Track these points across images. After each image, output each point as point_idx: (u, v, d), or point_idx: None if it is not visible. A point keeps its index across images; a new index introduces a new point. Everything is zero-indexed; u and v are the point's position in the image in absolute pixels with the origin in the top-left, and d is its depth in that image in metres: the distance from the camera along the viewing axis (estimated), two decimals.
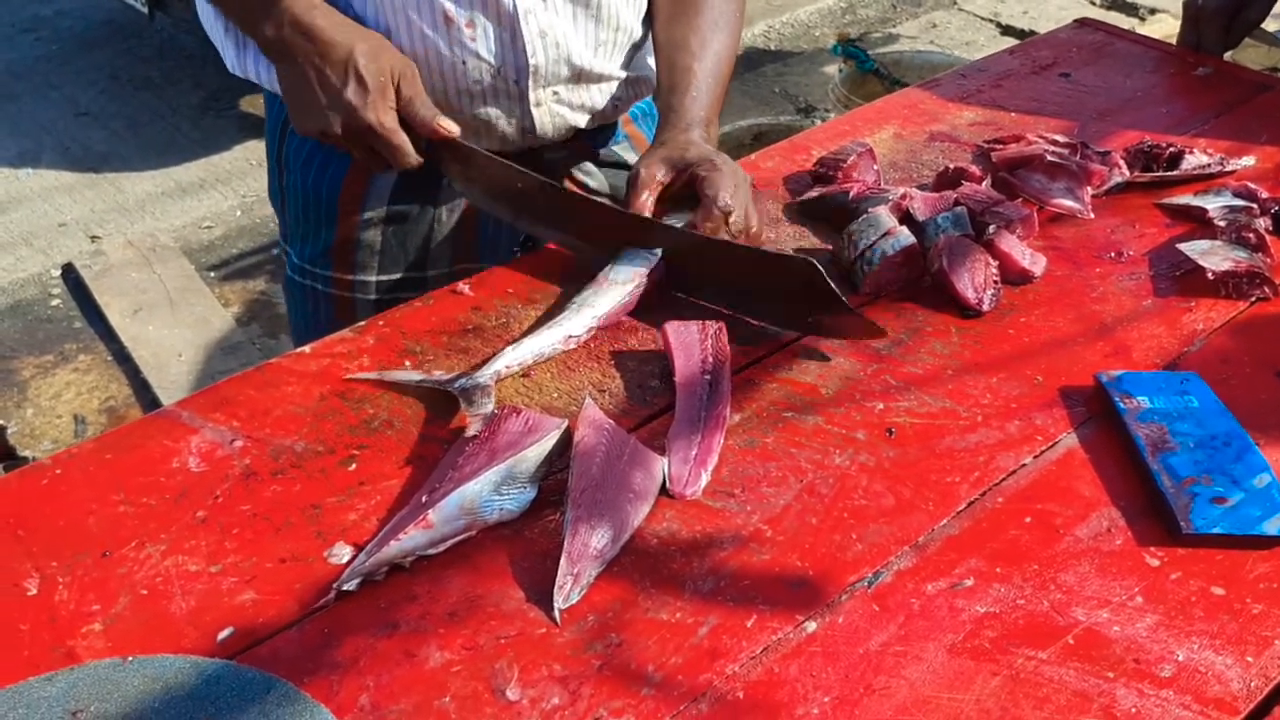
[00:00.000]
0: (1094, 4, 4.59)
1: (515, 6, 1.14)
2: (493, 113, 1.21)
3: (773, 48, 4.32)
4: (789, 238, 1.22)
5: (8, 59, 4.14)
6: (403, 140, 1.11)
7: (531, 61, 1.18)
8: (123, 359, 2.82)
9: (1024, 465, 0.93)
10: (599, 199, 1.20)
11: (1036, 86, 1.50)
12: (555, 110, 1.24)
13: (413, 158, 1.13)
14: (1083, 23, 1.67)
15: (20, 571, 0.83)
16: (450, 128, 1.13)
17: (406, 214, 1.29)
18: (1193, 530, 0.85)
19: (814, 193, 1.24)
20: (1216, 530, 0.85)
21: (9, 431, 2.61)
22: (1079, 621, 0.80)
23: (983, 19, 4.48)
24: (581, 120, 1.28)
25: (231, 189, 3.49)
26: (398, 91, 1.11)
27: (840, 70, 3.07)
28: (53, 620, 0.80)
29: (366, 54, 1.09)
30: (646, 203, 1.12)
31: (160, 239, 3.22)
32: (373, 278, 1.33)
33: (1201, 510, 0.87)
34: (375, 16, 1.14)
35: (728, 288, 1.09)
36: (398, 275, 1.33)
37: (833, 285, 1.01)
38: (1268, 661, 0.78)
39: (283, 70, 1.13)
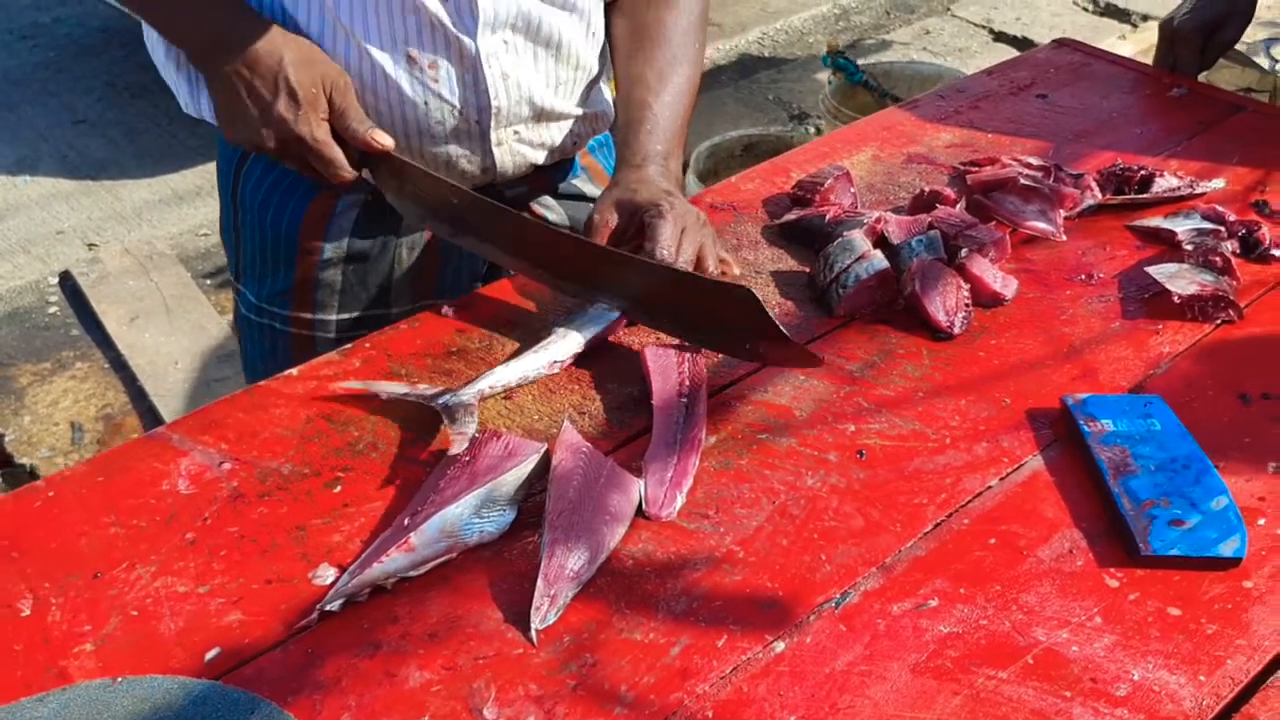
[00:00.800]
0: (1085, 10, 4.61)
1: (478, 50, 1.15)
2: (454, 152, 1.22)
3: (766, 54, 4.35)
4: (768, 260, 1.24)
5: (5, 67, 4.17)
6: (335, 153, 1.10)
7: (494, 103, 1.19)
8: (120, 366, 2.84)
9: (990, 487, 0.96)
10: (523, 214, 1.18)
11: (1014, 107, 1.53)
12: (516, 149, 1.25)
13: (346, 170, 1.12)
14: (1061, 43, 1.70)
15: (14, 592, 0.86)
16: (384, 141, 1.12)
17: (367, 253, 1.28)
18: (1151, 552, 0.88)
19: (792, 215, 1.26)
20: (1174, 552, 0.88)
21: (6, 439, 2.64)
22: (1039, 641, 0.83)
23: (976, 25, 4.51)
24: (541, 157, 1.29)
25: None
26: (330, 103, 1.09)
27: (830, 82, 3.10)
28: (46, 641, 0.83)
29: (296, 64, 1.07)
30: None
31: (157, 246, 3.24)
32: (333, 316, 1.32)
33: (1160, 532, 0.89)
34: (336, 51, 1.14)
35: (669, 313, 1.09)
36: (358, 313, 1.32)
37: (770, 313, 1.02)
38: (1219, 680, 0.80)
39: (212, 81, 1.12)
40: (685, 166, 2.84)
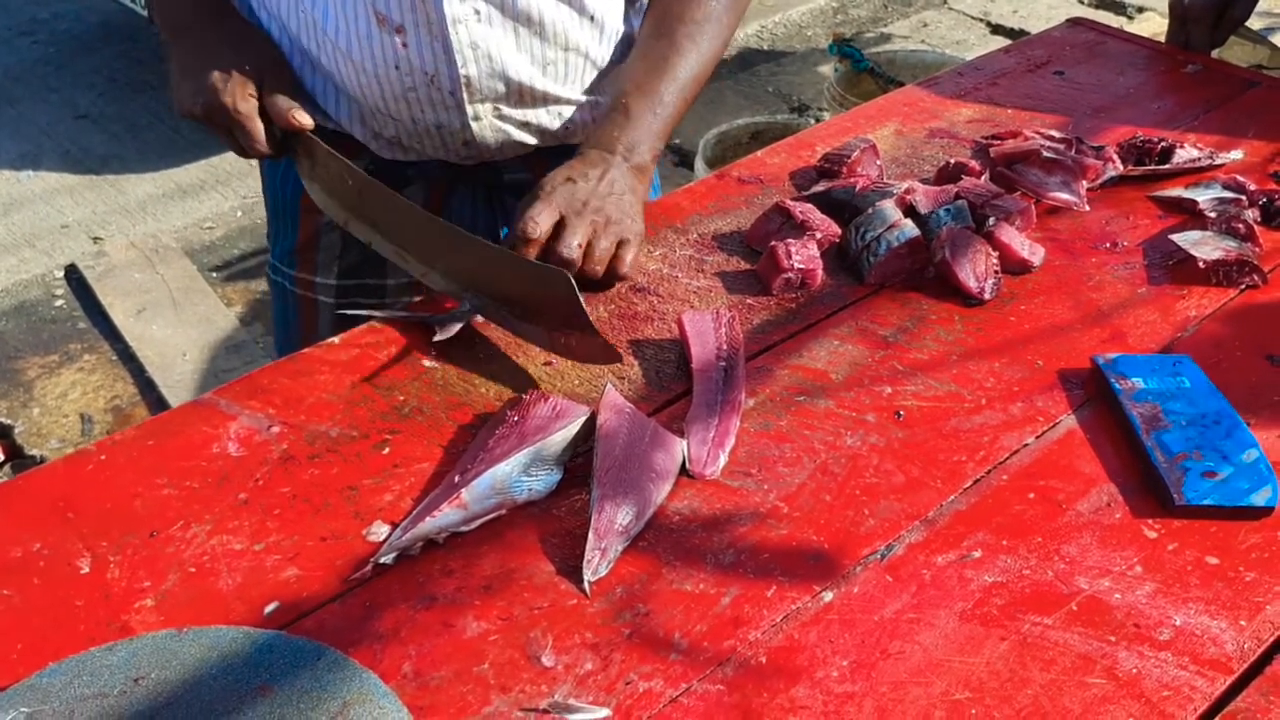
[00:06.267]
0: (1082, 2, 4.65)
1: (443, 14, 1.14)
2: (430, 121, 1.23)
3: (765, 47, 4.37)
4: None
5: (5, 63, 4.17)
6: (255, 127, 1.16)
7: (463, 72, 1.19)
8: (127, 358, 2.85)
9: (1026, 444, 0.98)
10: (418, 207, 1.15)
11: (1031, 84, 1.55)
12: (497, 125, 1.25)
13: (261, 144, 1.17)
14: (1075, 22, 1.72)
15: (72, 551, 0.87)
16: (303, 120, 1.16)
17: None
18: (1185, 502, 0.90)
19: (820, 187, 1.28)
20: (1207, 502, 0.90)
21: (16, 430, 2.65)
22: (1082, 590, 0.85)
23: (973, 18, 4.54)
24: (531, 139, 1.28)
25: (232, 190, 3.52)
26: (261, 83, 1.16)
27: (836, 69, 3.12)
28: (106, 597, 0.84)
29: (233, 44, 1.18)
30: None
31: (162, 240, 3.25)
32: (332, 281, 1.37)
33: (1193, 484, 0.91)
34: (306, 10, 1.18)
35: (489, 295, 1.08)
36: (356, 281, 1.36)
37: (581, 301, 0.99)
38: (1260, 625, 0.82)
39: (171, 54, 1.21)
40: (693, 154, 2.86)
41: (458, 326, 1.06)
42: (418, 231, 1.13)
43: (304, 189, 1.30)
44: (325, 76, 1.24)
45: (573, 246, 1.09)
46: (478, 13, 1.16)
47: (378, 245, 1.18)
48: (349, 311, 1.12)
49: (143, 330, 2.91)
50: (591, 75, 1.28)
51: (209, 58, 1.16)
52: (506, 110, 1.25)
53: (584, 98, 1.29)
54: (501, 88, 1.22)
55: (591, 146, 1.17)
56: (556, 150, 1.33)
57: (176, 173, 3.60)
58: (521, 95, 1.24)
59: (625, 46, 1.30)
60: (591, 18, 1.24)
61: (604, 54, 1.28)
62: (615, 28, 1.28)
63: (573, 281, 1.00)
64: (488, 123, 1.25)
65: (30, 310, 3.03)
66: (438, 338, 1.05)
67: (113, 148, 3.70)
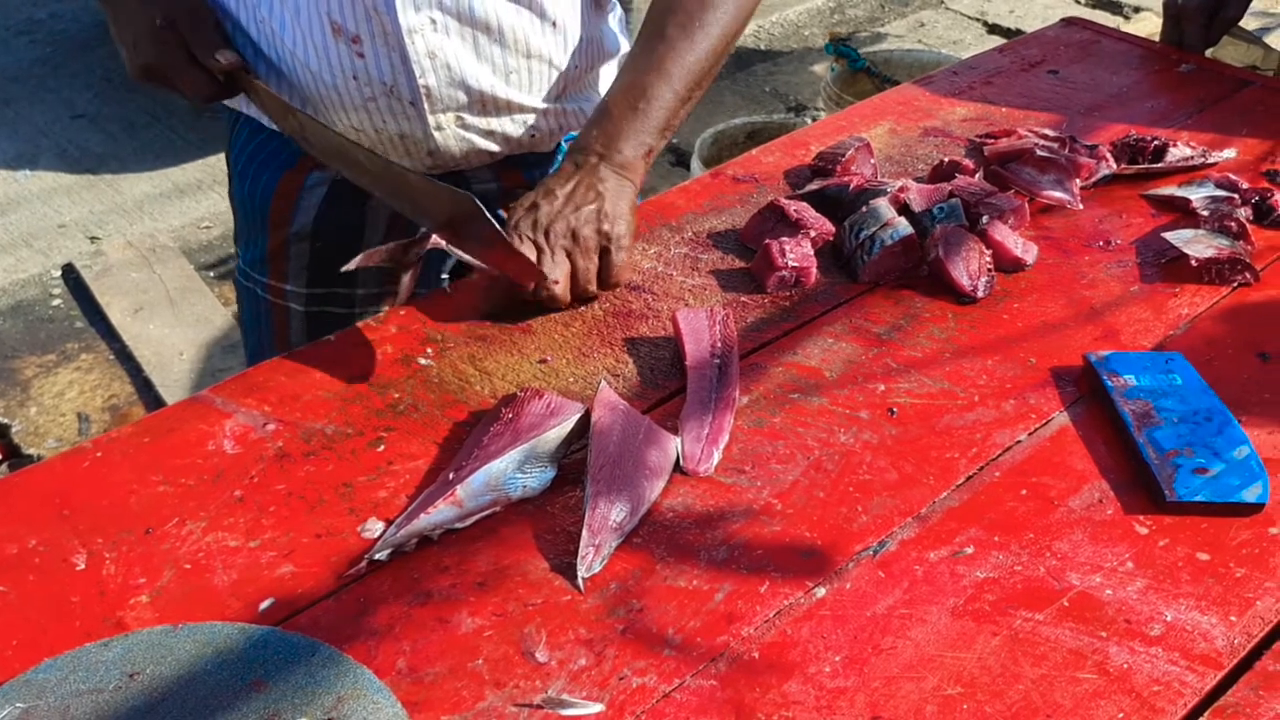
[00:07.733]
0: (1079, 2, 4.65)
1: (399, 25, 1.13)
2: (393, 131, 1.22)
3: (763, 47, 4.37)
4: None
5: (2, 63, 4.16)
6: (190, 77, 1.14)
7: (421, 83, 1.17)
8: (124, 358, 2.85)
9: (1019, 441, 0.98)
10: (350, 141, 1.16)
11: (1026, 83, 1.55)
12: (460, 134, 1.24)
13: (204, 89, 1.16)
14: (1070, 21, 1.72)
15: (68, 548, 0.88)
16: (229, 59, 1.14)
17: (332, 231, 1.31)
18: (1176, 499, 0.90)
19: (814, 185, 1.28)
20: (1198, 498, 0.90)
21: (13, 430, 2.65)
22: (1073, 585, 0.85)
23: (970, 18, 4.54)
24: (497, 148, 1.27)
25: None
26: (181, 31, 1.13)
27: (832, 69, 3.12)
28: (102, 593, 0.84)
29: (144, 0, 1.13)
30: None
31: (159, 239, 3.25)
32: (303, 289, 1.36)
33: (1184, 480, 0.92)
34: (263, 17, 1.17)
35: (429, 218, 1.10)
36: (325, 289, 1.36)
37: (489, 218, 1.00)
38: (1250, 621, 0.83)
39: (110, 18, 1.19)
40: (690, 153, 2.87)
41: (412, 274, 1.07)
42: (357, 162, 1.13)
43: (272, 198, 1.30)
44: (288, 87, 1.22)
45: (556, 283, 1.09)
46: (434, 22, 1.14)
47: (325, 161, 1.18)
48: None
49: (140, 329, 2.91)
50: (557, 82, 1.26)
51: (129, 19, 1.14)
52: (469, 119, 1.23)
53: (549, 105, 1.27)
54: (462, 97, 1.20)
55: (569, 154, 1.16)
56: (524, 158, 1.32)
57: (173, 172, 3.60)
58: (484, 104, 1.22)
59: (590, 52, 1.28)
60: (554, 24, 1.22)
61: (568, 60, 1.26)
62: (578, 33, 1.26)
63: (477, 201, 1.00)
64: (451, 132, 1.23)
65: (27, 310, 3.03)
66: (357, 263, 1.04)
67: (110, 147, 3.70)
